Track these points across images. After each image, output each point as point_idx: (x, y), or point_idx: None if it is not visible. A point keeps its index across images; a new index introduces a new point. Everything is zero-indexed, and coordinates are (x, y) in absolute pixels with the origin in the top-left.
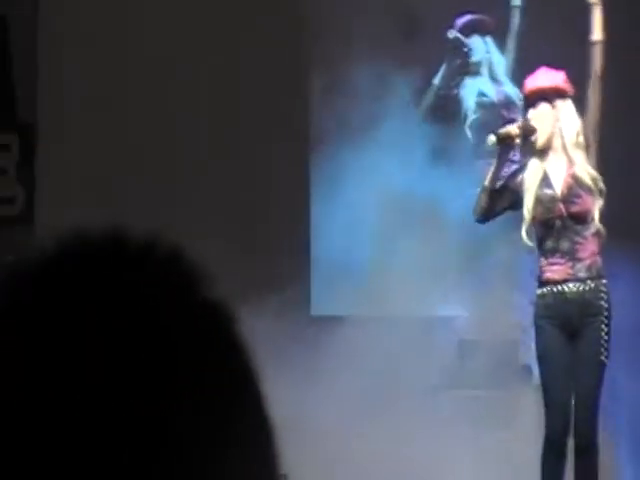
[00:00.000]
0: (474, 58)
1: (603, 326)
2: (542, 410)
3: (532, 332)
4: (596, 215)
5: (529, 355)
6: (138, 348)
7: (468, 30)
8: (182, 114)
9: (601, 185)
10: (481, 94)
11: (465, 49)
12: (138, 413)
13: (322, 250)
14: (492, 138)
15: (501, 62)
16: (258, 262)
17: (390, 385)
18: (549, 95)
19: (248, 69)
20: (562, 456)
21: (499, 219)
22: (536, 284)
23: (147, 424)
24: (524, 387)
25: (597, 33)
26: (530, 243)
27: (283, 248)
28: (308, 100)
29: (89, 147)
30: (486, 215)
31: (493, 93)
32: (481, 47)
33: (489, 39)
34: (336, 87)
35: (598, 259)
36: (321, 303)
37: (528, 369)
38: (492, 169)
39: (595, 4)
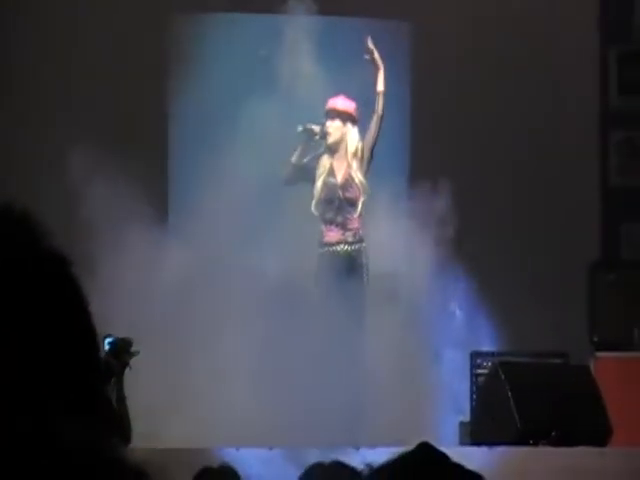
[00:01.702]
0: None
1: (364, 275)
2: None
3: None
4: (360, 204)
5: None
6: None
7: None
8: None
9: (364, 186)
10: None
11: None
12: None
13: None
14: (300, 128)
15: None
16: None
17: None
18: (342, 115)
19: None
20: None
21: (297, 195)
22: (318, 245)
23: None
24: None
25: (380, 85)
26: (316, 214)
27: None
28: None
29: None
30: (288, 182)
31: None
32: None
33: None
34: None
35: (360, 230)
36: None
37: None
38: (298, 151)
39: (379, 69)
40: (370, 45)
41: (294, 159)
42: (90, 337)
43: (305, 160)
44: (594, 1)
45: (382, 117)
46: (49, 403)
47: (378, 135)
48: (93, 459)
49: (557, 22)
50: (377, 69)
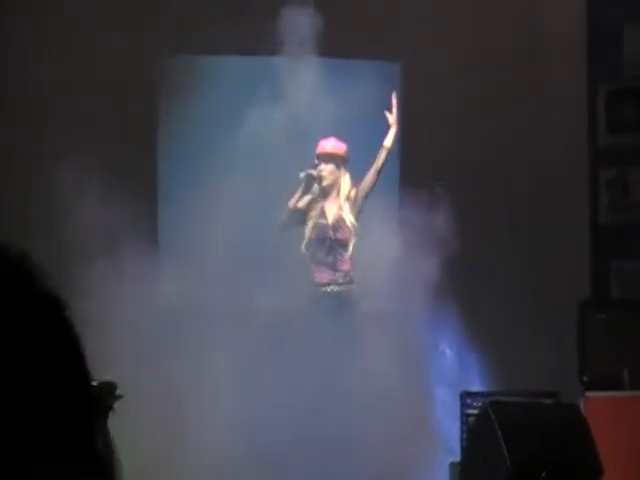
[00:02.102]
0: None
1: (354, 316)
2: None
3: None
4: (351, 245)
5: None
6: None
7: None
8: None
9: (355, 228)
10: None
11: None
12: None
13: None
14: (302, 174)
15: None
16: None
17: None
18: (335, 158)
19: None
20: None
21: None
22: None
23: None
24: None
25: (388, 141)
26: (307, 254)
27: None
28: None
29: None
30: (284, 227)
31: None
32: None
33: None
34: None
35: (351, 272)
36: None
37: None
38: (296, 196)
39: (392, 124)
40: (394, 101)
41: (292, 204)
42: (84, 381)
43: (300, 205)
44: (583, 39)
45: (380, 171)
46: (29, 445)
47: (374, 186)
48: None
49: (546, 60)
50: (390, 126)
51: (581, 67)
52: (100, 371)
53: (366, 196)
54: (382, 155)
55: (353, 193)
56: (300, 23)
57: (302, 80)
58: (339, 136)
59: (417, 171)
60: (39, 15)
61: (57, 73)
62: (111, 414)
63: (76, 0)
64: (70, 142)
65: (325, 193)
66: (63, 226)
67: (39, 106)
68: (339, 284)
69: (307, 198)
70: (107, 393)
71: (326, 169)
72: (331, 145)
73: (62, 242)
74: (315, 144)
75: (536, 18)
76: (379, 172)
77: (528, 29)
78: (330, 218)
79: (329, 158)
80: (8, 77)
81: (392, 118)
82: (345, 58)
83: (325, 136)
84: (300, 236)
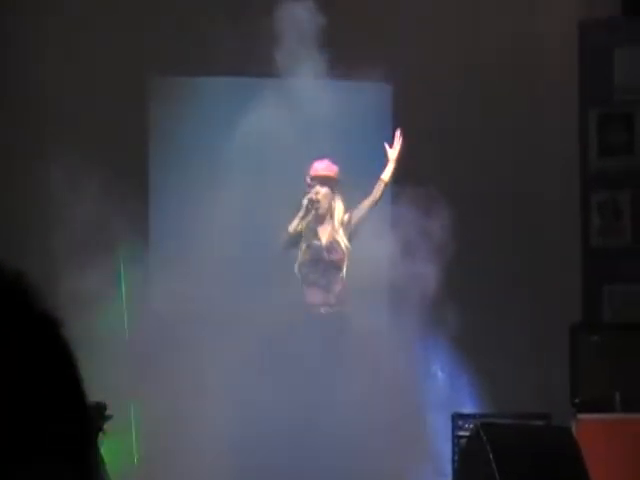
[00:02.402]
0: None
1: (345, 338)
2: None
3: None
4: (344, 267)
5: None
6: None
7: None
8: None
9: (349, 250)
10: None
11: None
12: None
13: None
14: (304, 201)
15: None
16: None
17: None
18: (329, 181)
19: None
20: None
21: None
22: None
23: None
24: None
25: (386, 175)
26: (299, 276)
27: None
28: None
29: None
30: (285, 248)
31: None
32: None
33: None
34: None
35: (343, 292)
36: None
37: None
38: (295, 222)
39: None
40: (397, 136)
41: (292, 228)
42: (80, 396)
43: (299, 228)
44: (574, 64)
45: (377, 202)
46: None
47: (367, 215)
48: None
49: (537, 86)
50: (389, 160)
51: (572, 92)
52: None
53: (359, 223)
54: (380, 188)
55: (346, 218)
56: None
57: (291, 100)
58: (331, 155)
59: (408, 200)
60: (39, 15)
61: (57, 73)
62: (100, 435)
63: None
64: (65, 142)
65: (320, 216)
66: (57, 225)
67: (38, 106)
68: (331, 305)
69: (303, 221)
70: (97, 414)
71: (321, 192)
72: (326, 168)
73: (55, 243)
74: (306, 161)
75: (526, 47)
76: (375, 204)
77: (518, 59)
78: (324, 240)
79: (324, 181)
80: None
81: (393, 154)
82: (338, 77)
83: (318, 157)
84: (291, 255)
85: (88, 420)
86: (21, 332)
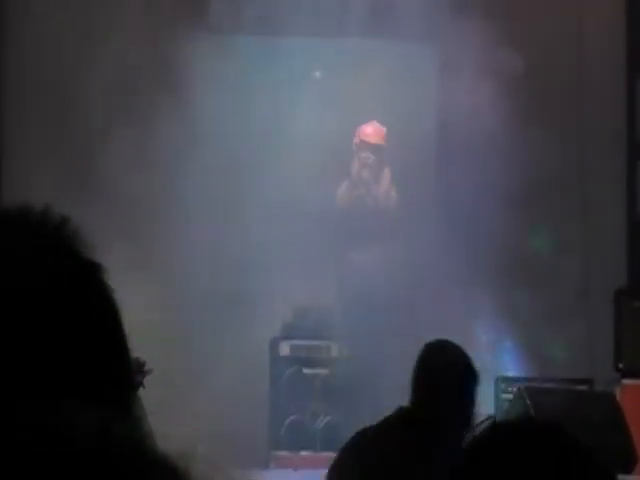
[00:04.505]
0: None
1: None
2: None
3: None
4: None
5: None
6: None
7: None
8: None
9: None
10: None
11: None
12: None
13: None
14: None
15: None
16: None
17: None
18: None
19: None
20: None
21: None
22: None
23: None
24: None
25: None
26: None
27: None
28: None
29: None
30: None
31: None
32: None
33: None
34: None
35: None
36: None
37: None
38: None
39: None
40: None
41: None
42: (121, 341)
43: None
44: (622, 32)
45: None
46: (66, 394)
47: None
48: (108, 446)
49: (587, 52)
50: None
51: (620, 60)
52: None
53: None
54: None
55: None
56: None
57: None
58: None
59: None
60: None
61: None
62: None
63: None
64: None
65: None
66: None
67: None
68: None
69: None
70: (136, 369)
71: (371, 158)
72: (375, 133)
73: None
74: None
75: (575, 17)
76: None
77: (566, 28)
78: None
79: (374, 148)
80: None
81: None
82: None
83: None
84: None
85: (129, 366)
86: (67, 277)
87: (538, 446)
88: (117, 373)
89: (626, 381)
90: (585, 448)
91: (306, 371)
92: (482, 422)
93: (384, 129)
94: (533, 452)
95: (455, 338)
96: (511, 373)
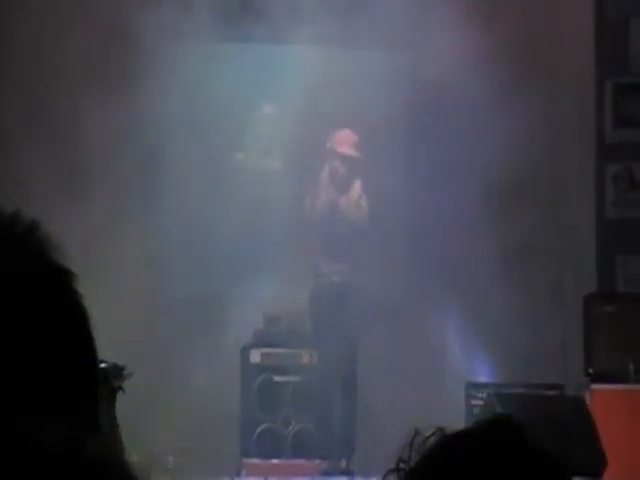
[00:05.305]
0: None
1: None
2: None
3: None
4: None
5: None
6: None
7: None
8: None
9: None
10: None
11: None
12: None
13: None
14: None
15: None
16: None
17: None
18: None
19: None
20: None
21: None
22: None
23: None
24: None
25: None
26: None
27: None
28: None
29: None
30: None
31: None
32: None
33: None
34: None
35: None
36: None
37: None
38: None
39: None
40: None
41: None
42: (89, 348)
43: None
44: (590, 35)
45: None
46: (31, 404)
47: None
48: (73, 461)
49: (554, 55)
50: None
51: (588, 62)
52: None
53: None
54: None
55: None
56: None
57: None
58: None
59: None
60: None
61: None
62: (119, 395)
63: None
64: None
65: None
66: None
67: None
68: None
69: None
70: (115, 374)
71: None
72: (348, 142)
73: None
74: None
75: (545, 16)
76: None
77: (537, 28)
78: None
79: (346, 159)
80: None
81: None
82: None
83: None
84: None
85: (97, 374)
86: (37, 282)
87: (481, 446)
88: (84, 381)
89: (595, 386)
90: (537, 445)
91: (277, 379)
92: (430, 436)
93: (356, 138)
94: (476, 453)
95: (425, 343)
96: (481, 378)
